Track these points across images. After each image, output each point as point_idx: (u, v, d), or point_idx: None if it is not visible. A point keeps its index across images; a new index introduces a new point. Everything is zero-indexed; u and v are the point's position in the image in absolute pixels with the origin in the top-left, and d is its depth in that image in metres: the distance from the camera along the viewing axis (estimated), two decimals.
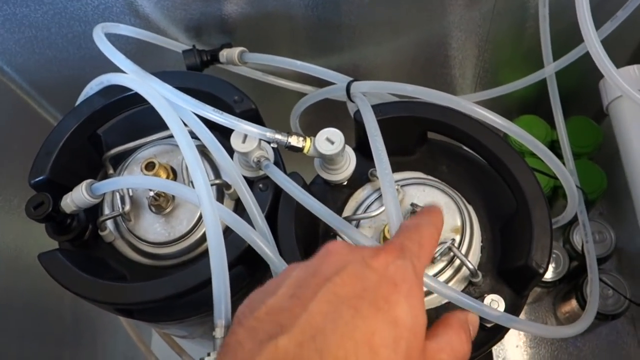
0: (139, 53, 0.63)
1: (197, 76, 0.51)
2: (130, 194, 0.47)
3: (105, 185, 0.43)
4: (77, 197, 0.44)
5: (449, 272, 0.43)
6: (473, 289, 0.44)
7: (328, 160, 0.46)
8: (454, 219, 0.45)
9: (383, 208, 0.46)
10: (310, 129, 0.65)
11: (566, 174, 0.50)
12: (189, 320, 0.49)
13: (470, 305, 0.38)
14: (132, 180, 0.46)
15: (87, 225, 0.48)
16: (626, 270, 0.80)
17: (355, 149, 0.49)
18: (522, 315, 0.44)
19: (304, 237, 0.45)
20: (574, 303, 0.74)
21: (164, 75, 0.47)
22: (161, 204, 0.47)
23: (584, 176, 0.70)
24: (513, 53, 0.72)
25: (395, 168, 0.44)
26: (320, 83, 0.57)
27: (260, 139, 0.44)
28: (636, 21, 0.56)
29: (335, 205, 0.49)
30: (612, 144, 0.63)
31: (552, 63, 0.60)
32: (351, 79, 0.51)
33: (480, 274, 0.43)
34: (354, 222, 0.46)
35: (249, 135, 0.44)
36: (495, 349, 0.85)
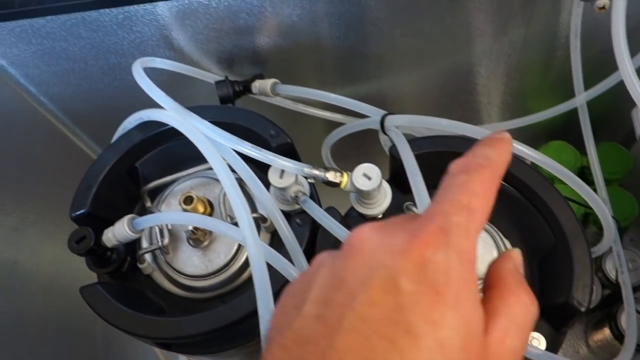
0: (172, 83, 0.64)
1: (234, 110, 0.52)
2: (169, 227, 0.48)
3: (147, 221, 0.44)
4: (119, 232, 0.45)
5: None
6: None
7: (364, 195, 0.46)
8: (491, 254, 0.45)
9: None
10: (334, 155, 0.65)
11: (602, 206, 0.50)
12: (224, 352, 0.49)
13: None
14: (173, 216, 0.46)
15: (126, 257, 0.49)
16: None
17: (389, 181, 0.49)
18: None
19: None
20: (607, 332, 0.73)
21: (201, 110, 0.48)
22: (199, 237, 0.47)
23: (616, 203, 0.69)
24: (542, 81, 0.72)
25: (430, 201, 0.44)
26: (349, 111, 0.57)
27: (297, 174, 0.45)
28: None
29: None
30: None
31: (583, 92, 0.60)
32: (384, 112, 0.52)
33: None
34: None
35: (286, 171, 0.44)
36: None
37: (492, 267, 0.27)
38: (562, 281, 0.41)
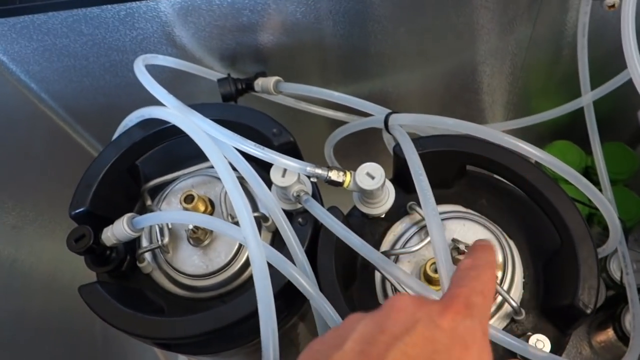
0: (174, 80, 0.64)
1: (237, 109, 0.51)
2: (169, 226, 0.48)
3: (147, 220, 0.44)
4: (118, 231, 0.44)
5: (491, 309, 0.43)
6: (515, 326, 0.43)
7: (367, 194, 0.45)
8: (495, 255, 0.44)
9: (423, 243, 0.45)
10: (337, 154, 0.65)
11: (608, 207, 0.49)
12: (224, 352, 0.49)
13: (516, 347, 0.38)
14: (173, 215, 0.46)
15: (126, 256, 0.48)
16: None
17: (392, 181, 0.48)
18: None
19: (343, 271, 0.45)
20: (610, 333, 0.72)
21: (204, 108, 0.47)
22: (200, 236, 0.47)
23: (621, 203, 0.69)
24: (547, 80, 0.72)
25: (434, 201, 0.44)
26: (352, 110, 0.57)
27: (299, 173, 0.44)
28: None
29: (372, 238, 0.48)
30: None
31: (589, 92, 0.59)
32: (388, 110, 0.51)
33: (523, 311, 0.42)
34: (393, 257, 0.46)
35: (288, 170, 0.44)
36: None
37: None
38: (568, 283, 0.40)
